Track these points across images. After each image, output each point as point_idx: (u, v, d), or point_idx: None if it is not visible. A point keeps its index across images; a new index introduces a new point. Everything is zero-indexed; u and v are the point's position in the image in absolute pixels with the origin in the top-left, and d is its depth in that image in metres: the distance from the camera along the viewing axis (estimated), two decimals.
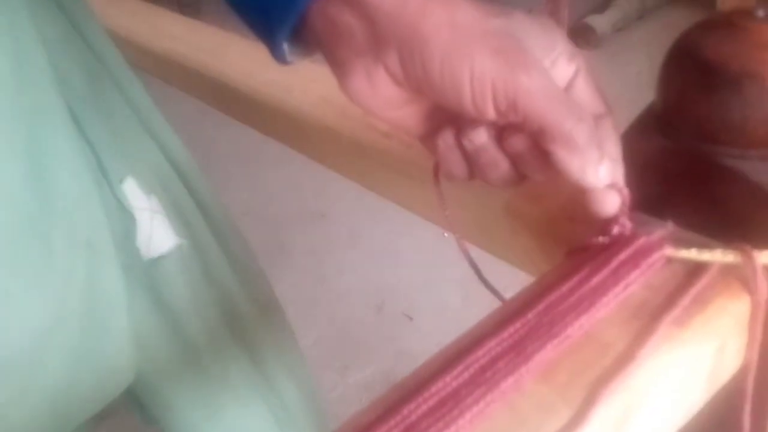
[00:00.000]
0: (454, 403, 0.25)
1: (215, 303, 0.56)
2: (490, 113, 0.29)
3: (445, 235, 1.64)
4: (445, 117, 0.33)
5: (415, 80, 0.30)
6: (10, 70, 0.38)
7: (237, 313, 0.58)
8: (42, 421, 0.44)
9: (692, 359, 0.28)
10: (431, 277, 1.59)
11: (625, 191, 0.31)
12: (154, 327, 0.51)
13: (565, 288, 0.28)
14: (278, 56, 0.34)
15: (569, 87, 0.31)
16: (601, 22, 2.30)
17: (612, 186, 0.30)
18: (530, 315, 0.27)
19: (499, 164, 0.32)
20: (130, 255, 0.49)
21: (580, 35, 2.29)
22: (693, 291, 0.28)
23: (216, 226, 0.57)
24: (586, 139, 0.28)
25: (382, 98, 0.31)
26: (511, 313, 0.28)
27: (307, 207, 1.83)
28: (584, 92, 0.31)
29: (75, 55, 0.48)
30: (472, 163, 0.33)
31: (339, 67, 0.32)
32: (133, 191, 0.49)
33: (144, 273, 0.50)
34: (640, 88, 0.33)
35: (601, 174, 0.29)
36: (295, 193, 1.86)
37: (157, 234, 0.50)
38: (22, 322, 0.40)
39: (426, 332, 1.41)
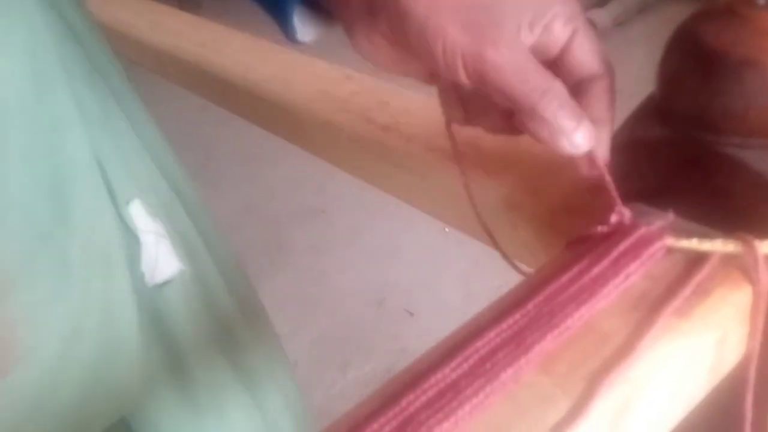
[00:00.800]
0: (453, 394, 0.24)
1: (214, 332, 0.55)
2: (464, 81, 0.31)
3: (446, 230, 1.63)
4: None
5: (402, 46, 0.32)
6: (30, 86, 0.38)
7: (234, 342, 0.57)
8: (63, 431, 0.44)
9: (693, 350, 0.28)
10: (432, 274, 1.59)
11: (605, 156, 0.31)
12: (154, 354, 0.50)
13: (564, 279, 0.28)
14: (289, 32, 0.36)
15: (565, 49, 0.31)
16: (602, 16, 2.29)
17: (594, 149, 0.30)
18: (530, 306, 0.27)
19: (489, 113, 0.34)
20: (136, 280, 0.48)
21: None
22: (694, 281, 0.28)
23: (216, 253, 0.57)
24: (553, 111, 0.29)
25: (384, 57, 0.34)
26: (510, 304, 0.28)
27: (307, 203, 1.83)
28: (580, 53, 0.31)
29: (86, 76, 0.47)
30: (467, 108, 0.35)
31: (346, 29, 0.34)
32: (139, 213, 0.48)
33: (148, 299, 0.50)
34: (640, 82, 0.33)
35: (578, 141, 0.30)
36: (295, 190, 1.86)
37: (162, 258, 0.50)
38: (40, 337, 0.40)
39: (426, 328, 1.41)
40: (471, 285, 1.52)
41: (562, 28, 0.31)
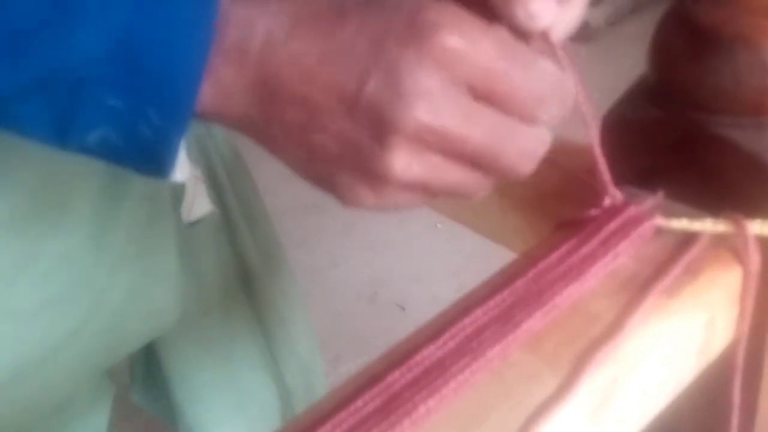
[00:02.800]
0: (438, 372, 0.24)
1: (236, 271, 0.61)
2: None
3: (438, 225, 1.63)
4: None
5: None
6: None
7: (254, 283, 0.63)
8: (95, 356, 0.48)
9: (682, 331, 0.27)
10: (424, 268, 1.58)
11: (560, 38, 0.27)
12: (186, 285, 0.55)
13: (553, 258, 0.27)
14: None
15: None
16: (595, 15, 2.29)
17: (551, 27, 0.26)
18: (518, 284, 0.27)
19: None
20: (177, 219, 0.54)
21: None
22: (683, 261, 0.27)
23: (243, 198, 0.62)
24: None
25: None
26: (498, 283, 0.27)
27: (300, 198, 1.82)
28: None
29: None
30: None
31: None
32: (183, 158, 0.53)
33: (183, 237, 0.54)
34: (632, 81, 0.32)
35: (533, 9, 0.25)
36: (289, 185, 1.85)
37: (199, 199, 0.55)
38: (95, 259, 0.44)
39: (418, 322, 1.40)
40: (463, 279, 1.51)
41: None
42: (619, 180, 0.31)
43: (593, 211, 0.30)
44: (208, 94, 0.25)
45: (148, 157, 0.26)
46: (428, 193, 0.27)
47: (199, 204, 0.55)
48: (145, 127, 0.25)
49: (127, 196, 0.44)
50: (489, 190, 0.29)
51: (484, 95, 0.26)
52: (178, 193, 0.54)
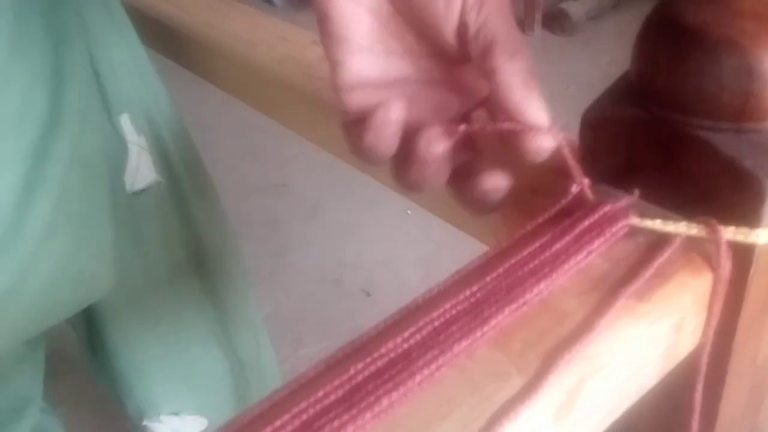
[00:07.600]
0: (404, 365, 0.23)
1: (183, 242, 0.61)
2: (456, 29, 0.31)
3: (408, 212, 1.63)
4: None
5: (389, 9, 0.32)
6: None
7: (202, 255, 0.63)
8: (27, 321, 0.49)
9: (650, 333, 0.27)
10: (391, 254, 1.58)
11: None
12: (127, 257, 0.55)
13: (525, 253, 0.27)
14: None
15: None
16: (576, 9, 2.30)
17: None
18: (488, 279, 0.26)
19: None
20: (118, 187, 0.54)
21: (555, 21, 2.29)
22: (655, 263, 0.27)
23: (190, 170, 0.62)
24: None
25: (364, 29, 0.32)
26: (468, 277, 0.27)
27: (268, 177, 1.80)
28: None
29: None
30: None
31: None
32: (128, 126, 0.54)
33: (126, 205, 0.55)
34: (611, 76, 0.33)
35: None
36: (257, 163, 1.82)
37: (142, 168, 0.55)
38: (19, 224, 0.44)
39: (383, 309, 1.39)
40: (430, 267, 1.52)
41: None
42: (596, 178, 0.30)
43: (563, 202, 0.30)
44: None
45: None
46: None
47: (143, 174, 0.55)
48: None
49: (55, 160, 0.44)
50: None
51: None
52: (118, 162, 0.53)
